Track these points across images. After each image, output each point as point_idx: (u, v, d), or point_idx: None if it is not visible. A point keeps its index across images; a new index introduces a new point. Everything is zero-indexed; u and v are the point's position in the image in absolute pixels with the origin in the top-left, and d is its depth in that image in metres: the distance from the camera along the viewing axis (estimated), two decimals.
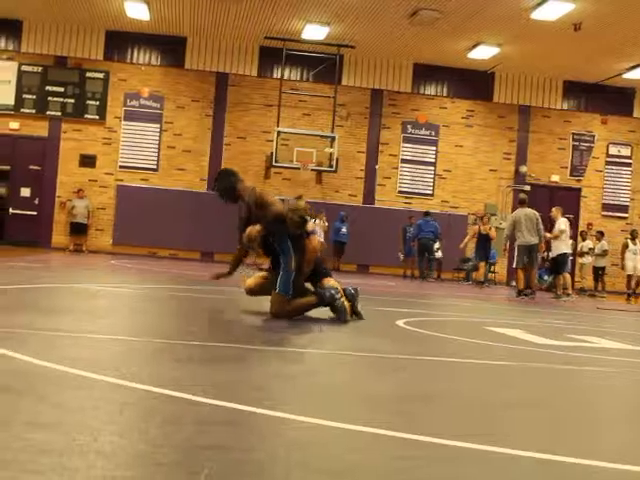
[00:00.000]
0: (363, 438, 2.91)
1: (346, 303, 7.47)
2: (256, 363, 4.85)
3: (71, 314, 6.47)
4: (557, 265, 18.40)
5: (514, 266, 17.63)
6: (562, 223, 17.97)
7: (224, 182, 7.44)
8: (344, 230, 23.97)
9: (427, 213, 23.56)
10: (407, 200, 25.92)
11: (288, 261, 7.18)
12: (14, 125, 24.37)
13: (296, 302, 7.33)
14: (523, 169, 26.27)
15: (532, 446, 2.93)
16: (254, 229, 7.02)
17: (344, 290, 7.72)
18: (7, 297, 7.88)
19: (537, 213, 16.84)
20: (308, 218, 7.16)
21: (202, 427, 2.89)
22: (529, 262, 16.68)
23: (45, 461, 2.27)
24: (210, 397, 3.32)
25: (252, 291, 7.63)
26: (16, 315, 6.07)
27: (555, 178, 26.69)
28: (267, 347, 5.63)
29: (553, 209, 18.66)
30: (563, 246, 18.00)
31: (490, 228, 22.13)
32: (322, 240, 22.58)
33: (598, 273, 23.76)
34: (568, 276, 18.59)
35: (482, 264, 22.33)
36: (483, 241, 22.04)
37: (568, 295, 17.89)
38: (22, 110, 24.42)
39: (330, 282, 7.68)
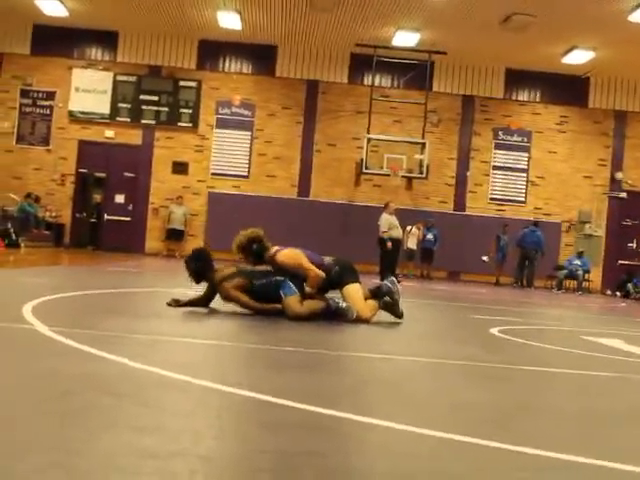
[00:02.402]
0: (459, 447, 2.87)
1: (343, 304, 7.43)
2: (349, 369, 4.84)
3: (168, 318, 6.56)
4: None
5: None
6: None
7: (200, 264, 7.49)
8: (430, 237, 23.81)
9: (535, 223, 23.37)
10: (499, 207, 25.59)
11: (277, 282, 7.32)
12: (109, 133, 24.96)
13: (308, 304, 7.35)
14: (619, 176, 25.64)
15: (632, 460, 2.83)
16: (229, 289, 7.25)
17: (380, 287, 7.75)
18: (108, 301, 8.05)
19: None
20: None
21: (299, 433, 2.88)
22: None
23: (150, 464, 2.29)
24: (307, 403, 3.31)
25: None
26: (115, 319, 6.19)
27: None
28: (359, 353, 5.61)
29: None
30: None
31: None
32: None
33: None
34: None
35: None
36: None
37: None
38: (117, 119, 24.99)
39: (349, 291, 7.58)
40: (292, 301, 7.21)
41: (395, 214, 19.02)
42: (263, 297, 7.31)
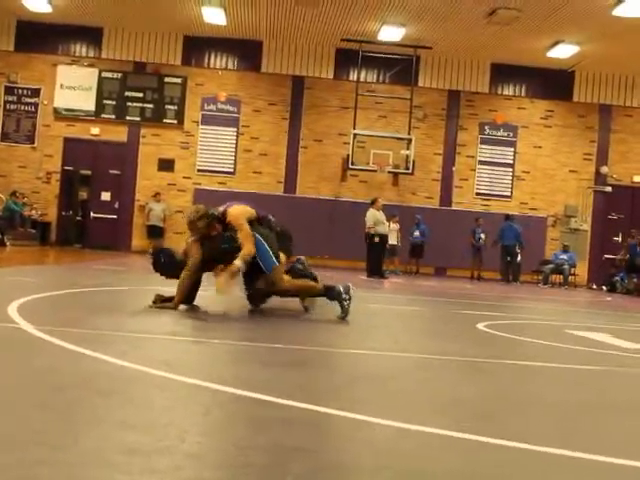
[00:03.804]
0: (448, 442, 2.87)
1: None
2: (337, 365, 4.84)
3: (154, 316, 6.55)
4: None
5: None
6: None
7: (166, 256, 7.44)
8: (416, 233, 23.78)
9: (508, 217, 23.31)
10: (485, 202, 25.63)
11: (247, 250, 7.06)
12: (95, 130, 24.86)
13: (297, 282, 7.33)
14: (604, 170, 25.72)
15: (618, 452, 2.84)
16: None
17: (333, 288, 7.44)
18: (94, 299, 8.03)
19: None
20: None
21: (287, 429, 2.88)
22: None
23: (135, 461, 2.29)
24: (295, 399, 3.31)
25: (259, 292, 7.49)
26: (101, 317, 6.17)
27: (638, 179, 26.05)
28: (347, 350, 5.61)
29: None
30: None
31: None
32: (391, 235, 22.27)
33: None
34: None
35: None
36: None
37: None
38: (102, 115, 24.89)
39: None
40: (279, 272, 7.18)
41: (382, 210, 19.08)
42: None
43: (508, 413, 3.63)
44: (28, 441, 2.42)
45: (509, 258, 22.99)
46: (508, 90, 25.76)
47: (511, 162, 25.79)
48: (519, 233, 22.91)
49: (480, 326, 7.76)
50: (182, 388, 3.53)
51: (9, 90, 24.78)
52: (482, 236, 23.64)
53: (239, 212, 7.33)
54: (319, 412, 3.17)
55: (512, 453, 2.76)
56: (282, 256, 7.41)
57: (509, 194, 25.77)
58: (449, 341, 6.64)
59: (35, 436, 2.48)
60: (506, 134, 25.74)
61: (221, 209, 7.39)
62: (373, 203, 19.15)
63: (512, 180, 25.79)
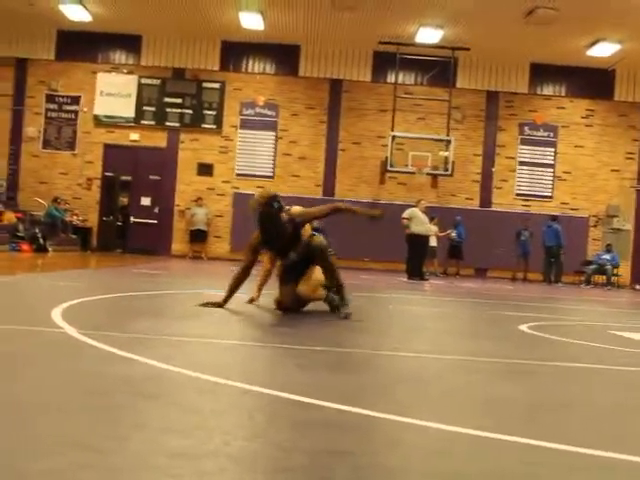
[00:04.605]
0: (492, 445, 2.84)
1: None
2: (379, 367, 4.81)
3: (197, 320, 6.56)
4: None
5: None
6: None
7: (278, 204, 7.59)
8: (453, 234, 23.71)
9: (554, 218, 23.28)
10: (525, 203, 25.45)
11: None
12: (134, 136, 25.10)
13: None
14: None
15: None
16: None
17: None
18: (136, 303, 8.07)
19: None
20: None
21: (330, 432, 2.86)
22: None
23: (180, 464, 2.28)
24: (336, 402, 3.29)
25: (284, 306, 7.49)
26: (145, 321, 6.20)
27: None
28: (387, 352, 5.58)
29: None
30: None
31: None
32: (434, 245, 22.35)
33: None
34: None
35: None
36: None
37: None
38: (142, 122, 25.13)
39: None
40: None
41: (425, 212, 19.02)
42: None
43: (555, 415, 3.58)
44: (73, 445, 2.42)
45: (552, 259, 22.91)
46: (548, 90, 25.57)
47: (552, 162, 25.59)
48: (559, 234, 22.78)
49: (523, 328, 7.68)
50: (225, 391, 3.53)
51: (50, 98, 25.11)
52: (527, 234, 23.56)
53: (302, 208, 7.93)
54: (362, 414, 3.15)
55: (558, 456, 2.72)
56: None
57: (550, 194, 25.56)
58: (492, 343, 6.58)
59: (80, 440, 2.49)
60: (546, 134, 25.53)
61: (287, 207, 7.82)
62: (416, 203, 19.20)
63: (553, 180, 25.58)
